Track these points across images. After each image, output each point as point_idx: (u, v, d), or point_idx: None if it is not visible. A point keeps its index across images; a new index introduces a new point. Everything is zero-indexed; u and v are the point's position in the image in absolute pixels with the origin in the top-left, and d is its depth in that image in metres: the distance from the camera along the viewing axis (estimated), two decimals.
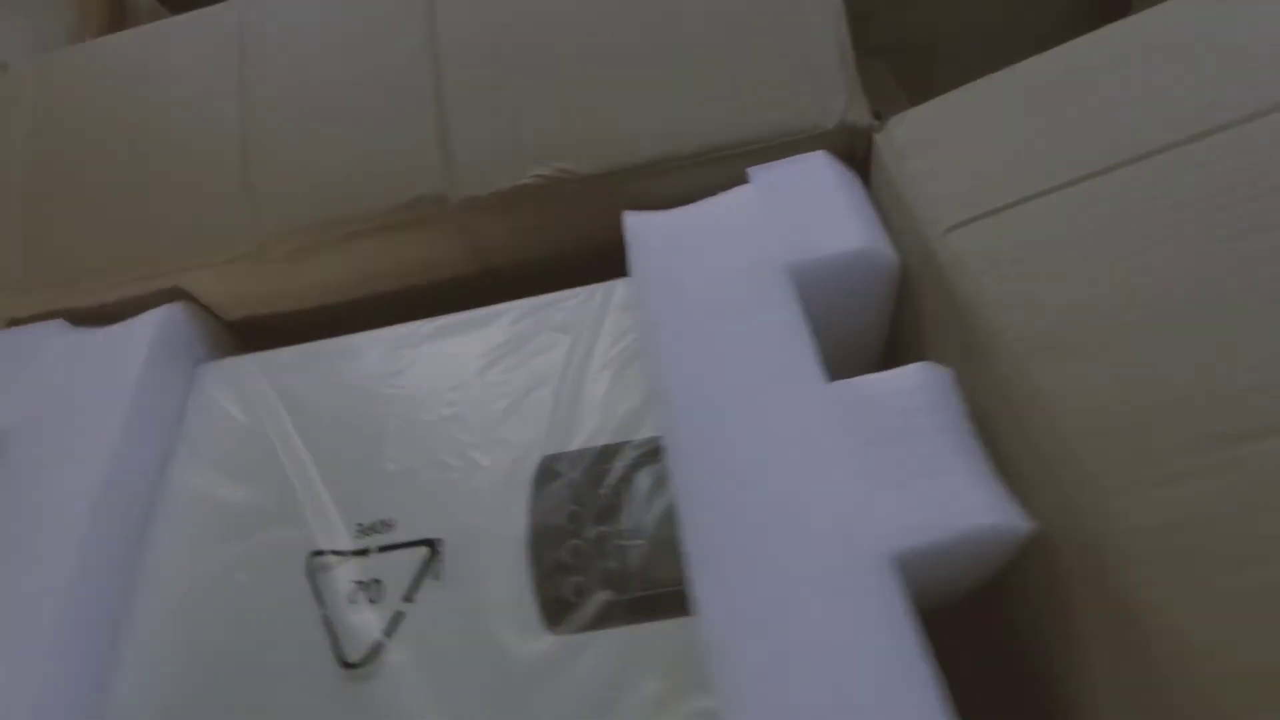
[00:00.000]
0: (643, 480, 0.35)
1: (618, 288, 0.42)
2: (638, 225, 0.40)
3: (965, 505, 0.28)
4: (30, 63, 0.50)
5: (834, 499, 0.29)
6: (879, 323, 0.41)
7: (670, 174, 0.42)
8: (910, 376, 0.32)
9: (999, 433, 0.31)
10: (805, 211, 0.38)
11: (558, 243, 0.45)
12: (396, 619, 0.33)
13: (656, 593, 0.32)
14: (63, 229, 0.46)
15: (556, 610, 0.32)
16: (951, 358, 0.34)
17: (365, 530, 0.36)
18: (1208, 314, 0.27)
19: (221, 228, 0.44)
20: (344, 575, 0.35)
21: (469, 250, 0.45)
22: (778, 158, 0.41)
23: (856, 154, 0.41)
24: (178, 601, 0.36)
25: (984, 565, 0.30)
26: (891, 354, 0.43)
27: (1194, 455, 0.25)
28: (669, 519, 0.33)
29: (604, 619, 0.32)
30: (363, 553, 0.36)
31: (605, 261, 0.47)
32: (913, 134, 0.38)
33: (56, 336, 0.44)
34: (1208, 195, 0.29)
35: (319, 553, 0.36)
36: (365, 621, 0.33)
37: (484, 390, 0.40)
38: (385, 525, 0.36)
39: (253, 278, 0.45)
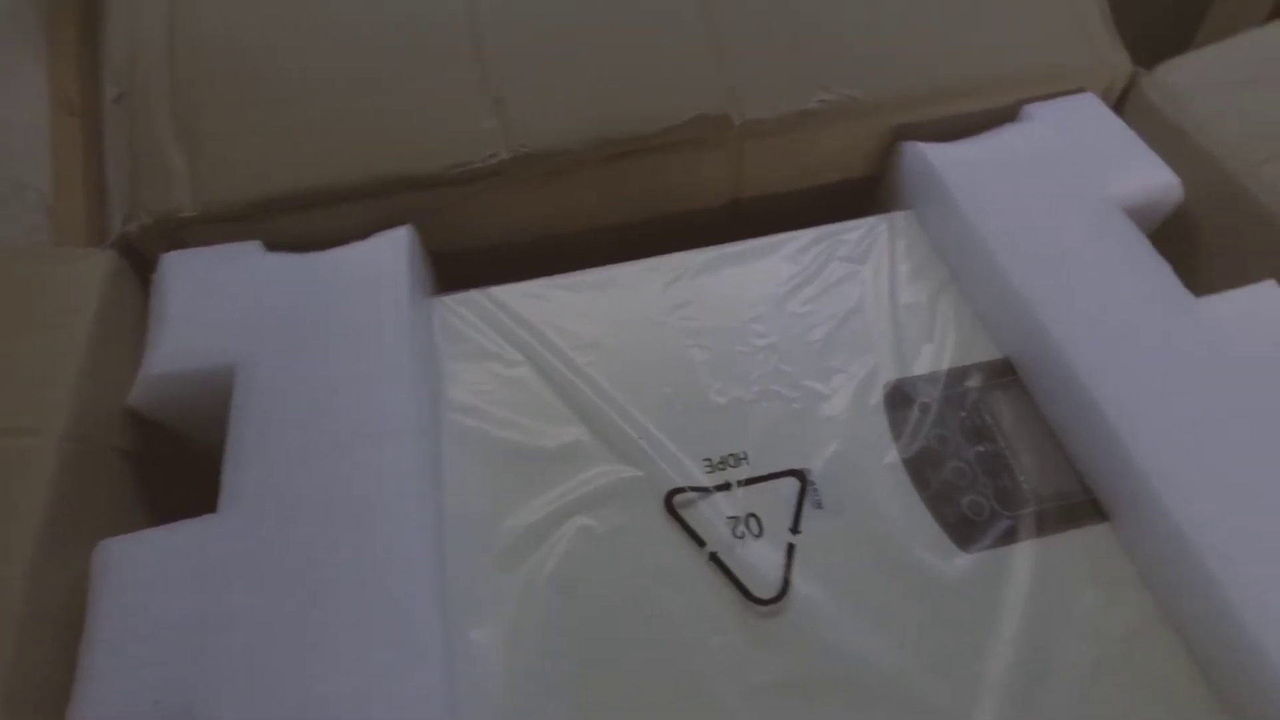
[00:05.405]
0: (1000, 399, 0.35)
1: (898, 219, 0.42)
2: (935, 155, 0.40)
3: None
4: None
5: (1247, 394, 0.31)
6: None
7: (941, 105, 0.42)
8: (1269, 293, 0.34)
9: None
10: (1102, 147, 0.40)
11: (811, 173, 0.44)
12: (790, 551, 0.32)
13: (1067, 504, 0.32)
14: (249, 143, 0.38)
15: (962, 529, 0.32)
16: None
17: (716, 465, 0.34)
18: None
19: (465, 143, 0.38)
20: (712, 512, 0.32)
21: (732, 177, 0.43)
22: (1042, 95, 0.43)
23: (1111, 96, 0.44)
24: (499, 555, 0.32)
25: None
26: None
27: None
28: (1048, 433, 0.34)
29: (1014, 534, 0.32)
30: (725, 487, 0.33)
31: (841, 195, 0.46)
32: (1187, 80, 0.41)
33: (265, 259, 0.37)
34: None
35: (678, 490, 0.33)
36: (760, 556, 0.31)
37: (791, 320, 0.38)
38: (736, 459, 0.34)
39: (486, 201, 0.40)
